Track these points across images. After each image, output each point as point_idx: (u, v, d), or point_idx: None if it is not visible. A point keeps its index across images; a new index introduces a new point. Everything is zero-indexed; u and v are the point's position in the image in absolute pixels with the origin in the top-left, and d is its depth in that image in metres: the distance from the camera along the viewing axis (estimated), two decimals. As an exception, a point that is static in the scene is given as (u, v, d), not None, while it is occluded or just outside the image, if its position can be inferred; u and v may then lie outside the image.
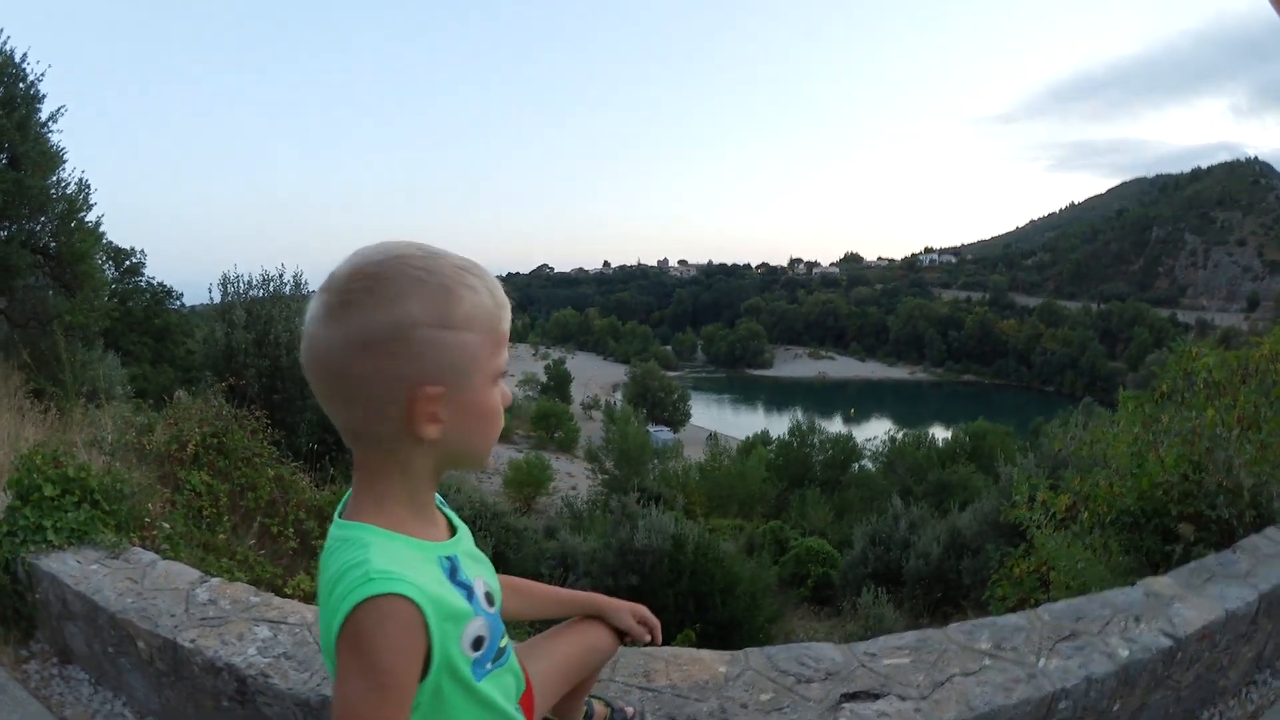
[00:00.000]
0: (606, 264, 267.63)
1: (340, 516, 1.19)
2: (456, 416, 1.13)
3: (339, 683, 1.07)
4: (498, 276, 1.17)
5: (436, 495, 1.30)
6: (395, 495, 1.17)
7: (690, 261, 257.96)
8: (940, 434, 33.79)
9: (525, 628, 4.45)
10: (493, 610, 1.27)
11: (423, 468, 1.18)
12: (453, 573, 1.20)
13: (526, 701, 1.52)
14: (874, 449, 31.20)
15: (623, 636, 1.83)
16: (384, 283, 1.08)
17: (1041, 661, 2.57)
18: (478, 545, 1.39)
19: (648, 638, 1.84)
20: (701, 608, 10.27)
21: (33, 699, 3.18)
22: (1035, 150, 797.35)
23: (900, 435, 30.86)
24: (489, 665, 1.24)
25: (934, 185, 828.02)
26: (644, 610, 1.85)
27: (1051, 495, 5.13)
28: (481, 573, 1.29)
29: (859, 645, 2.72)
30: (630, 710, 2.29)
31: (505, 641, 1.31)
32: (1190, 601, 2.95)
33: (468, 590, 1.21)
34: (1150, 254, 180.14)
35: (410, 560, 1.12)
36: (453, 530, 1.31)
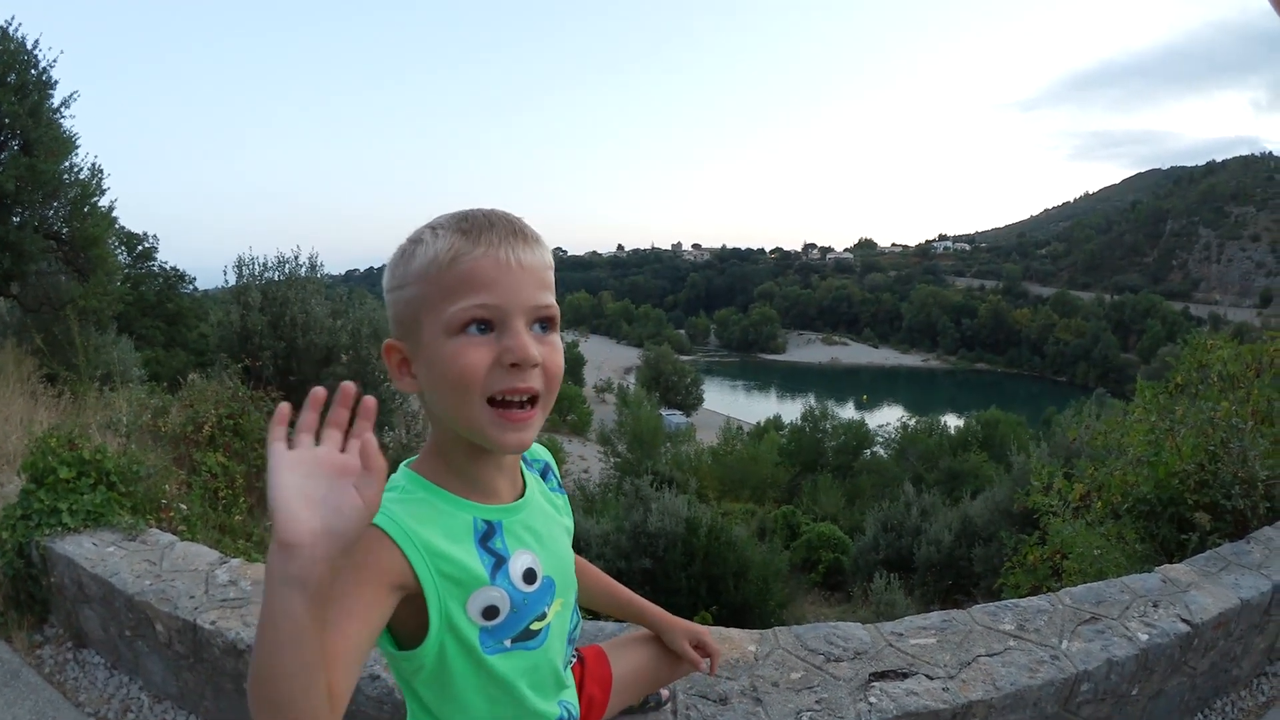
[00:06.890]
0: (620, 247, 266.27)
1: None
2: (422, 373, 1.14)
3: None
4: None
5: (527, 463, 1.38)
6: (437, 450, 1.21)
7: (704, 245, 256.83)
8: (952, 422, 33.59)
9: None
10: (530, 589, 1.21)
11: (449, 429, 1.18)
12: (485, 537, 1.18)
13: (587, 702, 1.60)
14: (886, 435, 31.07)
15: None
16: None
17: (1064, 643, 2.59)
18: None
19: (703, 666, 1.79)
20: (714, 591, 10.25)
21: (47, 685, 3.17)
22: (1055, 138, 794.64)
23: (912, 422, 30.69)
24: (508, 643, 1.19)
25: (949, 172, 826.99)
26: (703, 634, 1.80)
27: (1066, 484, 5.13)
28: (536, 549, 1.25)
29: (885, 625, 2.75)
30: (665, 693, 2.28)
31: (542, 625, 1.24)
32: (1206, 589, 2.95)
33: (496, 558, 1.18)
34: (1164, 247, 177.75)
35: (425, 514, 1.14)
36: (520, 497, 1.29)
